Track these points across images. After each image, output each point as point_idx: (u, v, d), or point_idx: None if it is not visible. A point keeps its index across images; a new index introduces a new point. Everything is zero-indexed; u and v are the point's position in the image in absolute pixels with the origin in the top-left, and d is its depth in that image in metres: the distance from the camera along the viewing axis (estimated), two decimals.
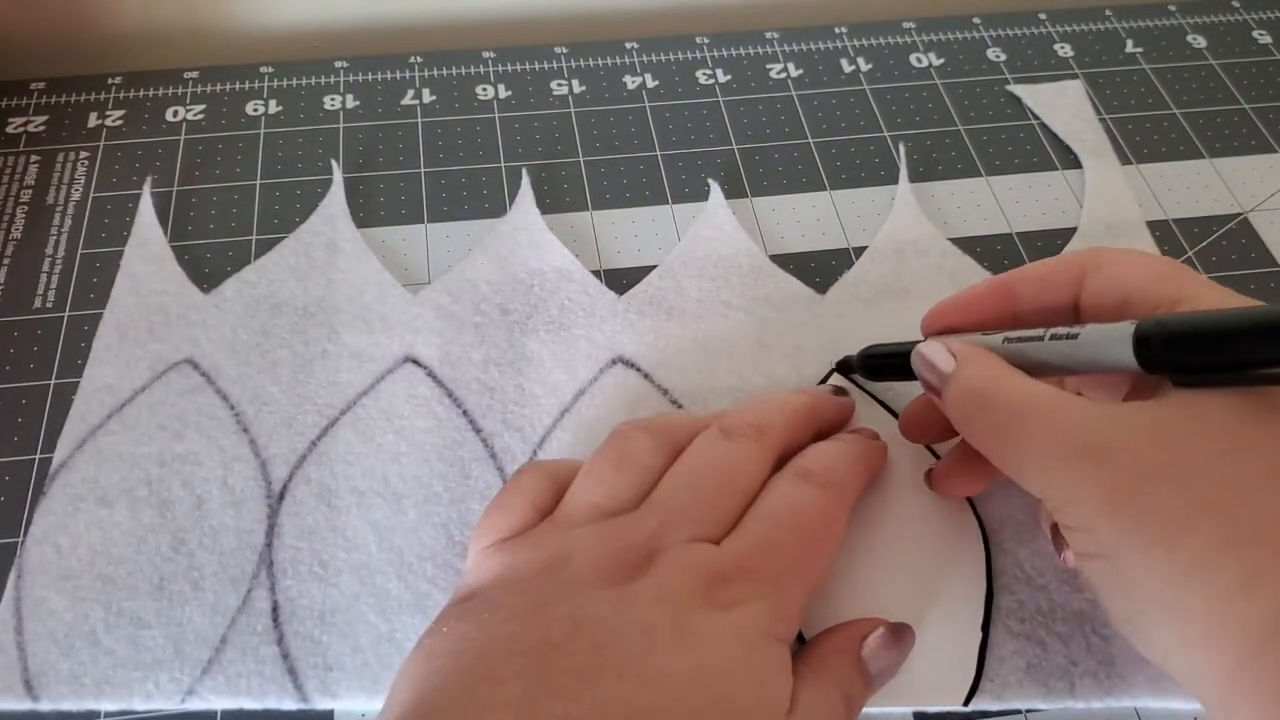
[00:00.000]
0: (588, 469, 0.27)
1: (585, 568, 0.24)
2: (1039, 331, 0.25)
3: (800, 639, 0.27)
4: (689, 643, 0.22)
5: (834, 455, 0.28)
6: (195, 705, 0.27)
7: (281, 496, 0.30)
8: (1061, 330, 0.24)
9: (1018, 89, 0.43)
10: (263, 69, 0.43)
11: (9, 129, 0.41)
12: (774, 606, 0.24)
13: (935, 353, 0.26)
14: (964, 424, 0.25)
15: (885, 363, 0.30)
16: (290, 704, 0.27)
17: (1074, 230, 0.37)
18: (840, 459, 0.28)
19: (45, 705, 0.27)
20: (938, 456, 0.31)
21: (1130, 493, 0.21)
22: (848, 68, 0.44)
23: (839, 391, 0.31)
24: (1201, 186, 0.39)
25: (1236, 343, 0.20)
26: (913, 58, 0.44)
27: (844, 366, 0.32)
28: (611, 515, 0.25)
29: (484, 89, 0.43)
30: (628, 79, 0.43)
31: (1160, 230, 0.37)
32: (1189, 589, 0.20)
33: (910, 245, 0.36)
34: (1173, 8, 0.47)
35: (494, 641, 0.22)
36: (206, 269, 0.36)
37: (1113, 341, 0.23)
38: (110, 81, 0.43)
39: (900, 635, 0.26)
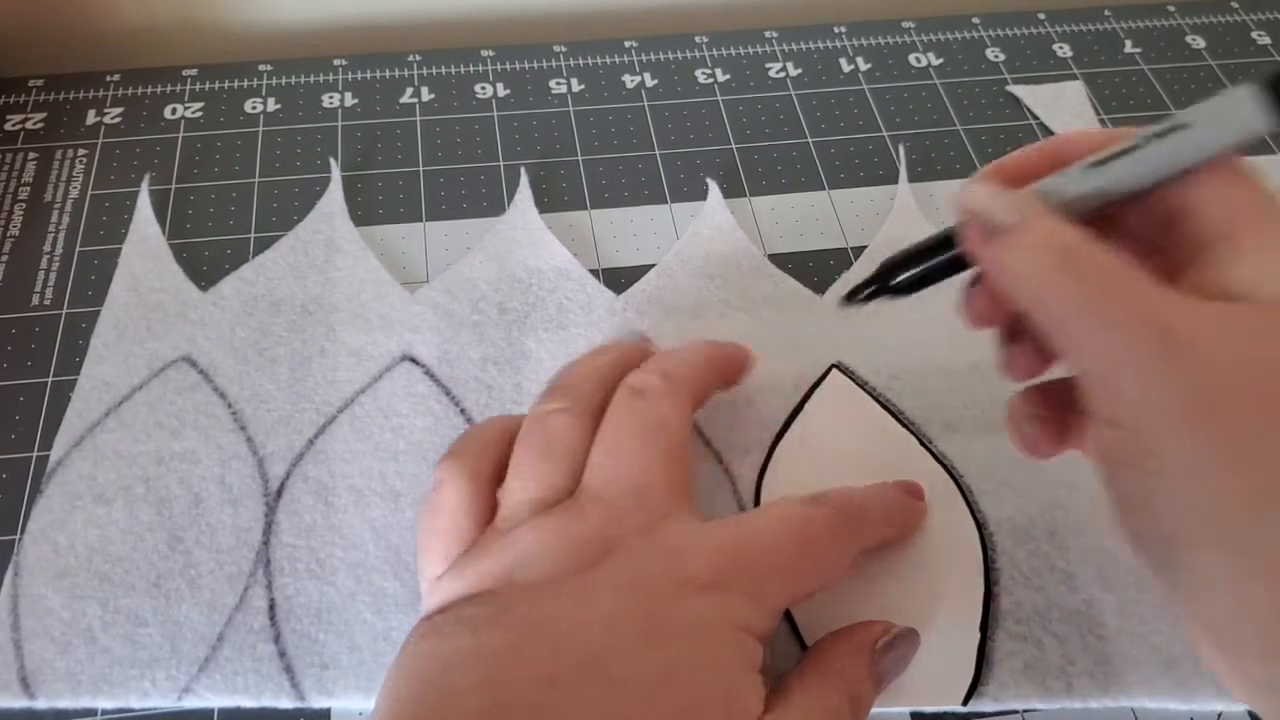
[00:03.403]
0: (515, 465, 0.26)
1: (542, 564, 0.23)
2: (1131, 142, 0.20)
3: (801, 644, 0.27)
4: (655, 635, 0.22)
5: (858, 491, 0.28)
6: (192, 703, 0.27)
7: (279, 494, 0.30)
8: (1164, 126, 0.20)
9: (1017, 89, 0.43)
10: (261, 67, 0.43)
11: (7, 126, 0.40)
12: (752, 599, 0.23)
13: (992, 202, 0.21)
14: (1040, 290, 0.20)
15: (913, 263, 0.24)
16: (287, 702, 0.27)
17: None
18: (862, 496, 0.27)
19: (42, 703, 0.27)
20: (946, 467, 0.31)
21: (1212, 404, 0.18)
22: (847, 67, 0.44)
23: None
24: None
25: None
26: (912, 57, 0.44)
27: (855, 294, 0.25)
28: (552, 505, 0.25)
29: (483, 87, 0.43)
30: (627, 78, 0.43)
31: None
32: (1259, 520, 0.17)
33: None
34: (1172, 8, 0.47)
35: (456, 653, 0.22)
36: (205, 267, 0.36)
37: (1234, 107, 0.19)
38: (109, 79, 0.42)
39: (910, 639, 0.26)
